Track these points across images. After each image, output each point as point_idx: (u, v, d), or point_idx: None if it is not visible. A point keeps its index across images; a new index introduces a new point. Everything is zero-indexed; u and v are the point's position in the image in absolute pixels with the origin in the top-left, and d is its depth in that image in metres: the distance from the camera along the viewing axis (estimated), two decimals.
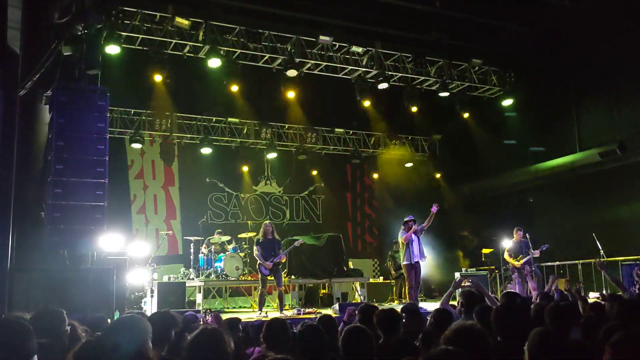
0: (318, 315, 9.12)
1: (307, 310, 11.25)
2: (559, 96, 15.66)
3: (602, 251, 12.45)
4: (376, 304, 11.77)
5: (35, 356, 2.61)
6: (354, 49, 14.25)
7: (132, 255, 11.96)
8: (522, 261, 12.28)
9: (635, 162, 13.57)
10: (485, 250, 15.60)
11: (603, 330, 3.30)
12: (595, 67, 14.72)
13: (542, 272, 13.11)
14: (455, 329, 2.81)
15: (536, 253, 12.32)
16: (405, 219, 11.66)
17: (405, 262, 11.35)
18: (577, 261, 13.76)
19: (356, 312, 5.58)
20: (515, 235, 12.65)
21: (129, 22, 12.07)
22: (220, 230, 14.53)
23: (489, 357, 2.73)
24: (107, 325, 4.93)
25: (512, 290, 7.52)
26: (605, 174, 14.39)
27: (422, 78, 15.34)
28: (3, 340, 2.59)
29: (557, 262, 14.26)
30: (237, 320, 5.04)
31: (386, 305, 13.23)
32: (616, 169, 14.12)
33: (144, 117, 15.31)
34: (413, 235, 11.42)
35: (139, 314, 3.79)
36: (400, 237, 11.46)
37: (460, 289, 7.92)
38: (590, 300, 6.72)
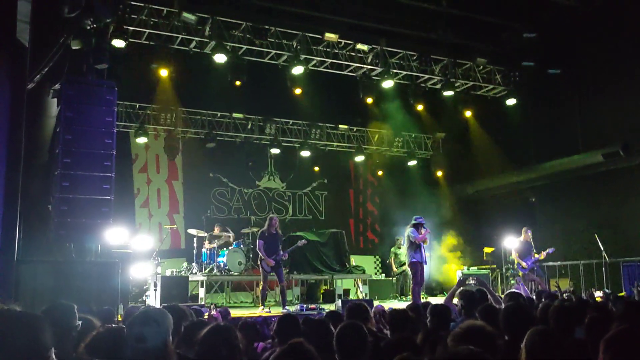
0: (321, 312, 9.19)
1: (310, 306, 11.30)
2: (563, 96, 15.67)
3: (604, 252, 12.50)
4: (377, 301, 11.85)
5: (53, 349, 2.59)
6: (359, 46, 14.28)
7: (136, 249, 12.02)
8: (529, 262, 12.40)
9: (639, 164, 13.59)
10: (487, 249, 15.64)
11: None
12: (600, 68, 14.73)
13: (544, 273, 13.16)
14: (466, 328, 2.85)
15: (542, 255, 12.38)
16: (416, 221, 11.30)
17: (414, 260, 11.22)
18: (578, 261, 13.79)
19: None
20: (523, 235, 12.67)
21: (135, 16, 12.08)
22: (219, 223, 14.56)
23: (496, 358, 2.76)
24: (130, 315, 4.93)
25: (515, 291, 7.56)
26: (609, 175, 14.42)
27: (427, 76, 15.35)
28: (15, 335, 2.53)
29: (559, 262, 14.29)
30: (253, 322, 5.10)
31: (387, 302, 13.30)
32: (619, 171, 14.15)
33: (148, 112, 15.36)
34: None
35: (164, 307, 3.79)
36: (412, 237, 11.21)
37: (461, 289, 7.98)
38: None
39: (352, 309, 4.97)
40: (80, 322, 3.76)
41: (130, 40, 11.84)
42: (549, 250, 12.45)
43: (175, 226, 15.46)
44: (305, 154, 17.32)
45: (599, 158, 14.21)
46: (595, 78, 14.96)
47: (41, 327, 2.56)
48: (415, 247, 11.16)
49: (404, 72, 15.11)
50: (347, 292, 14.68)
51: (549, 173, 15.78)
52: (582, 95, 15.31)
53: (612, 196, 14.54)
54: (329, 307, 11.16)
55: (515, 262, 12.73)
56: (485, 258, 15.72)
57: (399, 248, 14.60)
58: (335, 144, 17.98)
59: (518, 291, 7.83)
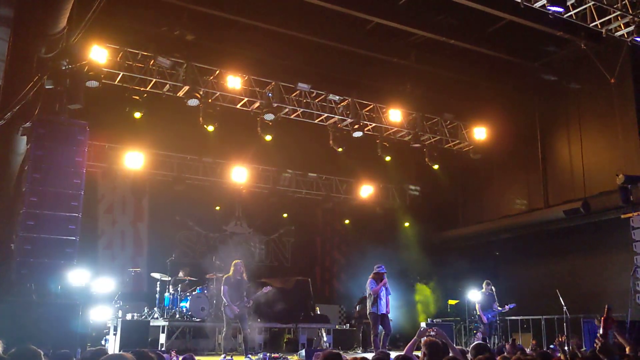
0: None
1: (273, 355, 11.13)
2: (528, 153, 16.17)
3: (565, 307, 12.69)
4: (341, 352, 11.73)
5: None
6: (331, 97, 14.61)
7: (97, 291, 11.78)
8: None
9: (598, 222, 14.00)
10: (451, 301, 15.74)
11: None
12: (564, 128, 15.32)
13: (506, 326, 13.30)
14: None
15: (505, 309, 12.57)
16: (377, 270, 11.24)
17: (372, 311, 11.06)
18: (540, 316, 13.96)
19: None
20: (484, 287, 12.85)
21: (111, 58, 12.18)
22: (187, 268, 14.35)
23: None
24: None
25: (481, 342, 7.62)
26: (570, 231, 14.79)
27: (396, 129, 15.72)
28: None
29: (521, 317, 14.44)
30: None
31: (351, 354, 13.19)
32: (580, 227, 14.53)
33: (117, 152, 15.22)
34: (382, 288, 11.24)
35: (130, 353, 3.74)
36: (369, 289, 11.16)
37: (424, 339, 7.99)
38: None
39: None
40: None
41: (104, 81, 11.90)
42: (510, 305, 12.64)
43: (138, 269, 15.16)
44: (274, 200, 17.33)
45: (560, 214, 14.61)
46: (559, 137, 15.53)
47: None
48: (373, 297, 11.08)
49: (374, 124, 15.45)
50: (310, 341, 14.50)
51: (513, 227, 16.12)
52: (545, 152, 15.82)
53: (573, 252, 14.90)
54: (292, 357, 11.03)
55: (478, 315, 12.86)
56: (449, 310, 15.79)
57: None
58: (304, 191, 18.06)
59: (485, 343, 7.88)
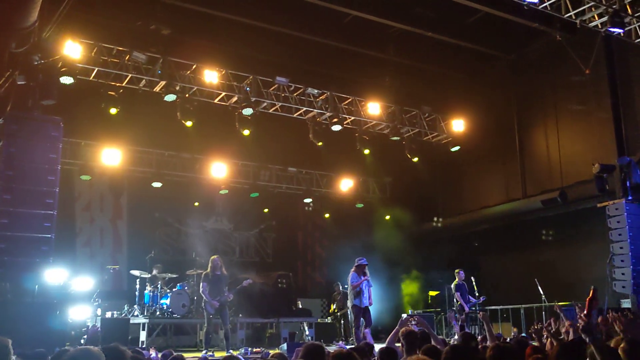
0: (266, 355, 9.07)
1: (255, 349, 11.12)
2: (506, 144, 16.29)
3: (543, 296, 12.83)
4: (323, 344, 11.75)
5: None
6: (310, 90, 14.56)
7: (76, 290, 11.63)
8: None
9: (575, 211, 14.16)
10: (432, 293, 15.82)
11: None
12: (541, 119, 15.46)
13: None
14: None
15: (479, 300, 12.68)
16: (358, 263, 11.19)
17: (354, 304, 11.04)
18: (519, 305, 14.09)
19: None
20: (456, 277, 12.90)
21: (85, 53, 12.01)
22: (159, 265, 14.18)
23: None
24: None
25: (468, 332, 7.67)
26: (547, 221, 14.94)
27: (375, 122, 15.74)
28: None
29: (501, 306, 14.57)
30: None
31: (333, 346, 13.20)
32: (557, 217, 14.69)
33: (94, 149, 15.01)
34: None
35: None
36: (351, 282, 11.09)
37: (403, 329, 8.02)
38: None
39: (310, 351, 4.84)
40: (14, 357, 3.65)
41: (78, 77, 11.71)
42: (481, 298, 12.76)
43: (117, 267, 15.01)
44: (254, 195, 17.27)
45: (538, 204, 14.75)
46: (536, 128, 15.66)
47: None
48: (355, 291, 11.08)
49: (353, 117, 15.44)
50: (293, 335, 14.50)
51: (492, 218, 16.23)
52: (523, 143, 15.95)
53: (551, 241, 15.05)
54: (274, 352, 11.00)
55: (457, 303, 12.91)
56: (429, 301, 15.87)
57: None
58: (285, 186, 18.01)
59: (472, 333, 7.94)
